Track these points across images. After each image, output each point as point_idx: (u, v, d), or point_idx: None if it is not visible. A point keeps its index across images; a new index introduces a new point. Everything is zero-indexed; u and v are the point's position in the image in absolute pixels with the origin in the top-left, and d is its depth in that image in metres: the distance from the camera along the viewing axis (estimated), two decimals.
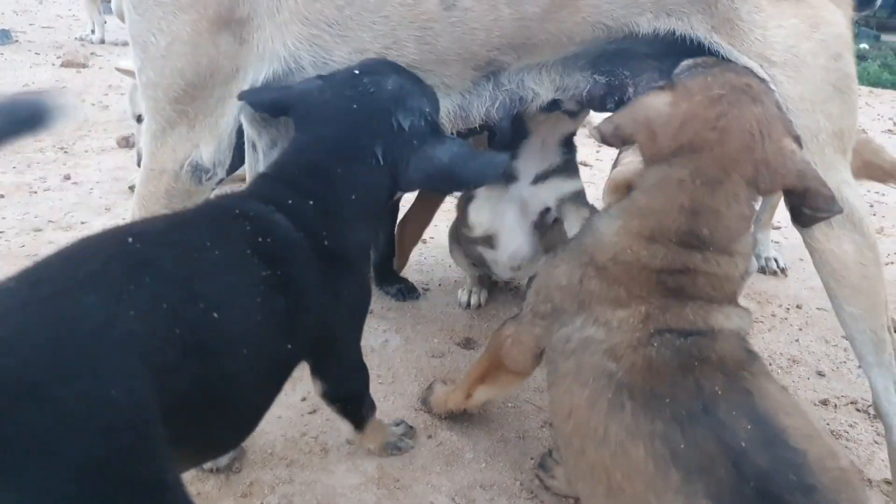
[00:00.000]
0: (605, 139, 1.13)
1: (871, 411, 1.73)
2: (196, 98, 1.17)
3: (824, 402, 1.77)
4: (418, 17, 1.17)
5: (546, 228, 1.81)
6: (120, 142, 3.45)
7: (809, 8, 1.20)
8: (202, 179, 1.22)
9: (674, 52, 1.27)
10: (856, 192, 1.22)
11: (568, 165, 1.75)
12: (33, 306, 0.70)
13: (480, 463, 1.47)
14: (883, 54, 8.12)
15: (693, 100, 1.06)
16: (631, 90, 1.32)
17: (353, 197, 1.09)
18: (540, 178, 1.73)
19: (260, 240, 0.95)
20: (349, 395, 1.30)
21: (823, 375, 1.89)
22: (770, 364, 1.93)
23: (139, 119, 2.68)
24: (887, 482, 1.48)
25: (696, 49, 1.24)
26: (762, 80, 1.15)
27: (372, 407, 1.36)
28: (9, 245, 2.36)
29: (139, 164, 2.64)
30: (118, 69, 2.67)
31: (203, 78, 1.16)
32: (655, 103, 1.08)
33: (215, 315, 0.82)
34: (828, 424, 1.68)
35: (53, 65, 4.90)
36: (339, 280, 1.08)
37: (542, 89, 1.33)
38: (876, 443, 1.63)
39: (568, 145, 1.76)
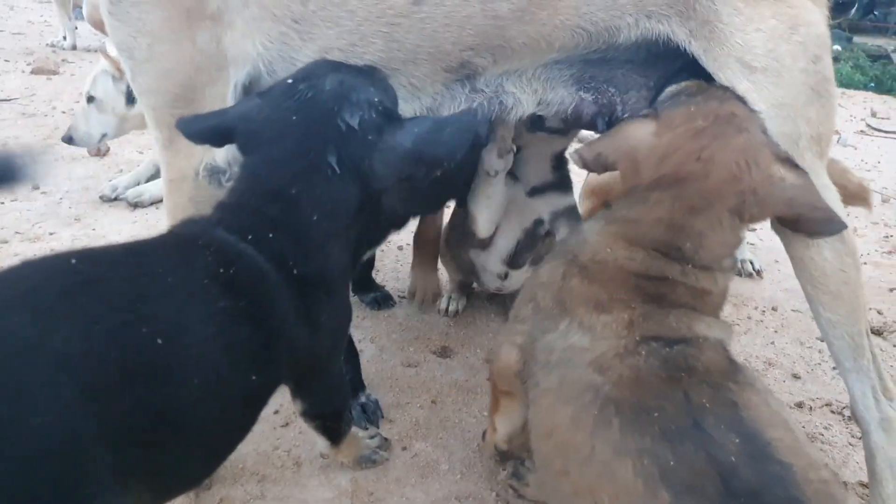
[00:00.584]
0: (587, 165, 1.12)
1: (847, 413, 1.74)
2: (191, 100, 1.16)
3: (799, 405, 1.78)
4: (385, 13, 1.14)
5: (536, 238, 1.81)
6: (91, 150, 3.38)
7: (788, 7, 1.18)
8: (221, 181, 1.20)
9: (657, 62, 1.26)
10: (834, 198, 1.20)
11: (562, 181, 1.77)
12: None
13: (456, 475, 1.45)
14: (855, 56, 8.27)
15: (676, 131, 1.04)
16: (619, 108, 1.31)
17: (316, 217, 1.01)
18: (536, 192, 1.75)
19: (221, 269, 0.91)
20: (329, 413, 1.27)
21: (799, 378, 1.90)
22: None
23: (89, 99, 2.65)
24: (862, 484, 1.49)
25: (678, 58, 1.23)
26: (746, 106, 1.13)
27: (349, 422, 1.33)
28: None
29: (67, 141, 2.60)
30: (104, 55, 2.62)
31: (189, 77, 1.14)
32: (639, 133, 1.07)
33: (159, 342, 0.78)
34: (803, 427, 1.69)
35: (23, 72, 4.79)
36: (316, 306, 1.03)
37: (523, 96, 1.29)
38: (851, 445, 1.64)
39: (560, 161, 1.77)
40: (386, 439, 1.50)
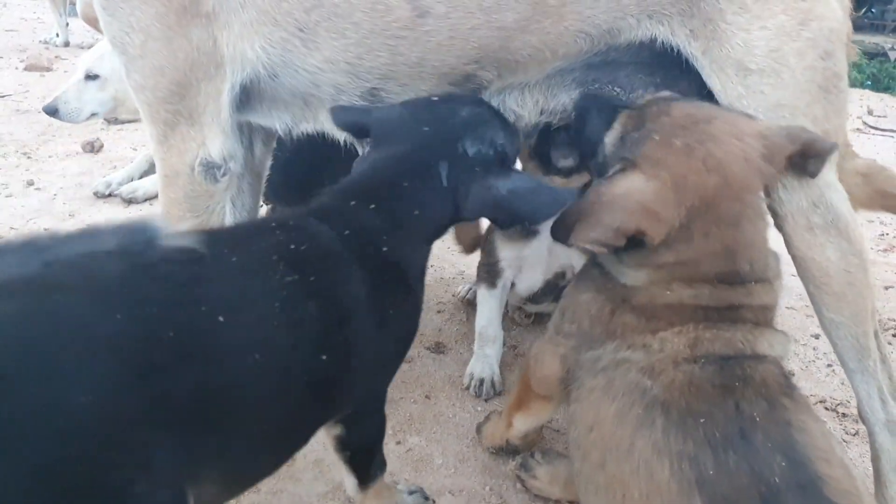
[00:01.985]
0: (606, 244, 1.01)
1: (841, 410, 1.74)
2: (184, 96, 1.15)
3: None
4: (390, 25, 1.13)
5: (559, 287, 1.75)
6: (85, 146, 3.37)
7: (803, 0, 1.14)
8: (217, 177, 1.19)
9: (662, 61, 1.24)
10: (841, 196, 1.18)
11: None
12: (16, 298, 0.68)
13: (450, 469, 1.45)
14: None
15: (668, 163, 0.99)
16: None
17: (417, 213, 1.06)
18: None
19: (293, 247, 0.91)
20: (364, 446, 1.17)
21: (793, 375, 1.90)
22: None
23: (89, 76, 2.61)
24: None
25: (677, 61, 1.21)
26: (681, 98, 1.12)
27: (382, 465, 1.23)
28: None
29: (51, 112, 2.54)
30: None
31: (184, 74, 1.13)
32: (634, 188, 0.99)
33: (221, 319, 0.78)
34: None
35: (17, 68, 4.78)
36: (389, 299, 1.01)
37: (525, 111, 1.29)
38: (845, 441, 1.64)
39: None
40: (427, 499, 1.34)
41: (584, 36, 1.19)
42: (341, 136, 1.28)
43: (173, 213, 1.22)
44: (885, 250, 2.78)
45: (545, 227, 1.58)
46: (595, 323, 1.07)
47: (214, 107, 1.17)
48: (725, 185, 0.98)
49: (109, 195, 2.84)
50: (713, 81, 1.17)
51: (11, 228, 2.52)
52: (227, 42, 1.13)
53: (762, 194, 1.03)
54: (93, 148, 3.36)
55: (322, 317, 0.90)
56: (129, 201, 2.81)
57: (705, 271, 0.99)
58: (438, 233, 1.14)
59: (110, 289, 0.73)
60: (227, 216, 1.35)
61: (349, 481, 1.21)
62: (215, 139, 1.18)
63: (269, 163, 1.56)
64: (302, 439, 0.98)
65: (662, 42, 1.19)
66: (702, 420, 0.88)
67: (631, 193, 0.98)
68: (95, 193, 2.83)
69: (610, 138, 1.11)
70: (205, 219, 1.24)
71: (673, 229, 0.98)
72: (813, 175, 1.12)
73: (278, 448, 0.95)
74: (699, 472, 0.84)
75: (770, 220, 1.18)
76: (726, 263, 0.99)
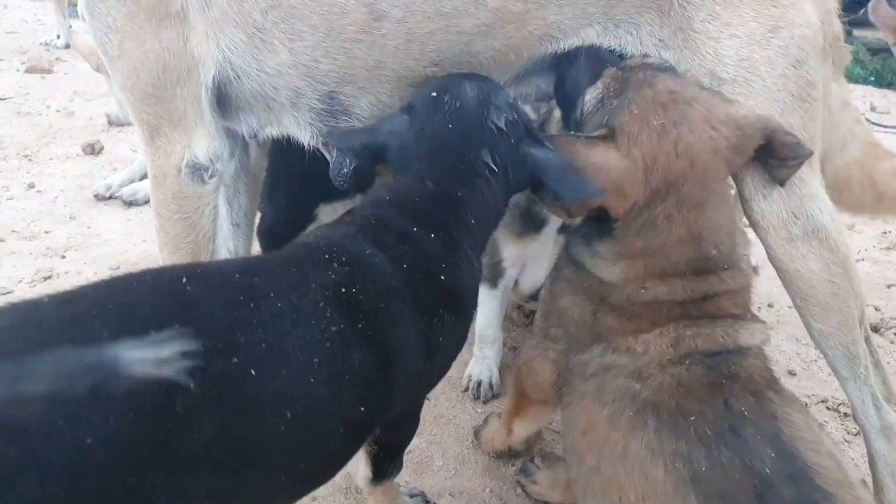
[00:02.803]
0: (572, 212, 1.06)
1: (843, 410, 1.74)
2: (161, 98, 1.13)
3: None
4: (347, 28, 1.11)
5: None
6: (85, 148, 3.37)
7: (775, 6, 1.13)
8: (204, 178, 1.18)
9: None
10: (823, 206, 1.16)
11: None
12: (43, 328, 0.68)
13: (450, 471, 1.45)
14: (856, 49, 8.23)
15: (641, 141, 1.00)
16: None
17: (474, 220, 1.01)
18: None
19: (343, 287, 0.86)
20: (392, 444, 1.16)
21: (794, 374, 1.90)
22: None
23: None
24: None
25: None
26: (668, 69, 1.10)
27: (399, 467, 1.22)
28: None
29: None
30: None
31: (157, 76, 1.12)
32: (609, 164, 1.01)
33: (252, 372, 0.74)
34: None
35: (17, 70, 4.77)
36: (440, 326, 0.96)
37: None
38: (846, 441, 1.64)
39: None
40: (428, 501, 1.38)
41: (551, 39, 1.18)
42: (304, 139, 1.25)
43: (163, 214, 1.22)
44: (888, 248, 2.76)
45: (551, 222, 1.59)
46: (581, 327, 1.08)
47: (195, 109, 1.16)
48: (691, 170, 1.00)
49: (110, 197, 2.84)
50: None
51: (13, 231, 2.52)
52: (196, 42, 1.12)
53: (728, 181, 1.04)
54: (93, 150, 3.36)
55: (369, 362, 0.85)
56: (130, 203, 2.80)
57: (675, 261, 1.00)
58: (493, 231, 1.10)
59: (139, 326, 0.70)
60: (224, 218, 1.34)
61: (362, 472, 1.20)
62: (201, 141, 1.17)
63: (265, 164, 1.55)
64: (335, 468, 0.94)
65: (637, 46, 1.17)
66: (692, 419, 0.89)
67: (604, 169, 1.01)
68: (96, 196, 2.83)
69: (591, 95, 1.11)
70: (194, 220, 1.23)
71: (636, 207, 1.01)
72: (781, 183, 1.12)
73: (306, 481, 0.91)
74: (693, 470, 0.85)
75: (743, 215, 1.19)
76: (693, 249, 1.00)
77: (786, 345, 2.05)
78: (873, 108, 5.37)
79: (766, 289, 2.39)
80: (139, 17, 1.08)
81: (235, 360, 0.74)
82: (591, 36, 1.17)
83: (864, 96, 5.95)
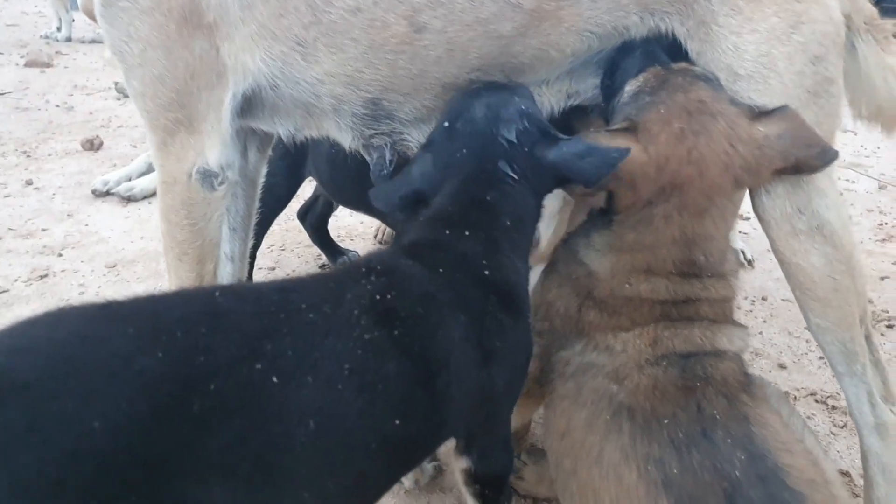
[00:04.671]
0: (586, 193, 1.10)
1: (830, 403, 1.75)
2: (185, 105, 1.15)
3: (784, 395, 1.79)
4: (388, 41, 1.13)
5: None
6: (85, 144, 3.39)
7: (796, 2, 1.12)
8: (213, 185, 1.20)
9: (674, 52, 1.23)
10: (830, 203, 1.15)
11: None
12: (69, 323, 0.71)
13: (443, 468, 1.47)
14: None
15: (659, 141, 1.03)
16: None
17: (509, 222, 1.05)
18: None
19: (378, 298, 0.87)
20: (493, 477, 1.09)
21: (785, 368, 1.91)
22: None
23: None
24: (842, 472, 1.50)
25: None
26: (708, 80, 1.12)
27: (509, 497, 1.16)
28: None
29: None
30: None
31: (184, 83, 1.13)
32: (629, 155, 1.04)
33: (274, 380, 0.75)
34: None
35: (17, 64, 4.79)
36: (493, 329, 0.95)
37: (547, 101, 1.28)
38: (832, 434, 1.65)
39: None
40: None
41: (590, 35, 1.18)
42: (346, 142, 1.28)
43: (171, 220, 1.23)
44: (883, 240, 2.76)
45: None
46: (565, 321, 1.09)
47: (215, 116, 1.18)
48: (699, 179, 1.02)
49: (107, 193, 2.86)
50: None
51: (10, 229, 2.54)
52: (229, 53, 1.14)
53: (732, 203, 1.06)
54: (92, 146, 3.38)
55: (406, 372, 0.84)
56: (128, 199, 2.82)
57: (662, 259, 1.03)
58: (531, 235, 1.13)
59: (164, 328, 0.73)
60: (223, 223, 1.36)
61: None
62: (214, 148, 1.19)
63: (263, 169, 1.56)
64: (391, 480, 0.93)
65: (672, 34, 1.17)
66: (665, 422, 0.90)
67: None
68: (93, 192, 2.85)
69: (630, 87, 1.14)
70: (202, 226, 1.25)
71: (640, 201, 1.04)
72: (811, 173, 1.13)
73: (358, 494, 0.89)
74: (665, 474, 0.86)
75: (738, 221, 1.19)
76: (682, 252, 1.02)
77: (778, 338, 2.06)
78: None
79: (760, 282, 2.40)
80: (169, 27, 1.10)
81: (259, 366, 0.74)
82: (629, 27, 1.18)
83: None
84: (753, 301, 2.28)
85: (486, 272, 0.97)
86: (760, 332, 2.09)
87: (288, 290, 0.86)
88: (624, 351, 1.01)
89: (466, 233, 1.00)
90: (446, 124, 1.13)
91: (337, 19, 1.11)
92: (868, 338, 1.22)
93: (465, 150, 1.09)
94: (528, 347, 1.04)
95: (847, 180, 3.40)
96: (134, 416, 0.66)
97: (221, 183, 1.22)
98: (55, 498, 0.62)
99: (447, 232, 1.01)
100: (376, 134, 1.24)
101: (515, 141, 1.09)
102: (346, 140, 1.26)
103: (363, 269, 0.92)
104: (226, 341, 0.74)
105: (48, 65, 4.80)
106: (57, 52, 5.20)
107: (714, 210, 1.03)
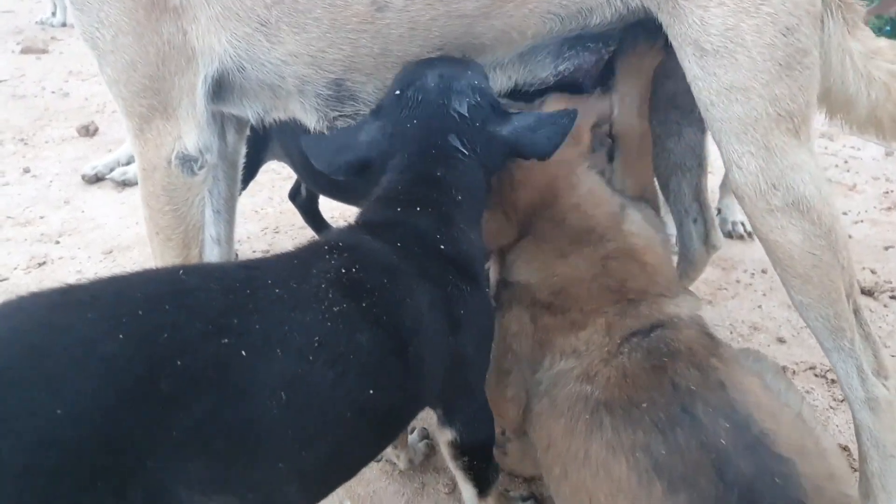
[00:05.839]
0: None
1: (829, 376, 1.73)
2: (158, 90, 1.15)
3: (783, 369, 1.77)
4: (350, 20, 1.12)
5: None
6: (80, 130, 3.38)
7: None
8: (193, 169, 1.20)
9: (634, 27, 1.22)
10: (807, 177, 1.12)
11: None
12: (31, 311, 0.71)
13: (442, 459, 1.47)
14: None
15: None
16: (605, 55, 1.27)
17: (460, 196, 1.06)
18: None
19: (343, 270, 0.87)
20: (478, 445, 1.10)
21: (784, 342, 1.89)
22: (731, 333, 1.92)
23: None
24: (842, 447, 1.49)
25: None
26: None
27: (497, 470, 1.18)
28: None
29: None
30: None
31: (156, 68, 1.13)
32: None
33: (242, 353, 0.75)
34: None
35: (13, 52, 4.76)
36: (457, 298, 0.97)
37: (497, 85, 1.27)
38: (831, 408, 1.64)
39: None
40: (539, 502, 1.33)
41: (553, 17, 1.16)
42: (311, 123, 1.27)
43: (153, 206, 1.23)
44: (889, 208, 2.71)
45: None
46: (524, 341, 1.10)
47: (189, 100, 1.17)
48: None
49: (97, 179, 2.85)
50: (679, 58, 1.13)
51: (8, 217, 2.55)
52: (196, 35, 1.13)
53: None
54: (88, 132, 3.37)
55: (383, 341, 0.85)
56: (123, 184, 2.82)
57: (558, 239, 1.12)
58: (482, 207, 1.14)
59: (126, 310, 0.72)
60: (205, 205, 1.35)
61: (468, 491, 1.16)
62: (191, 132, 1.18)
63: (243, 150, 1.55)
64: (371, 452, 0.94)
65: (638, 6, 1.14)
66: (644, 406, 0.90)
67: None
68: (84, 178, 2.84)
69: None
70: (184, 211, 1.24)
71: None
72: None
73: (321, 476, 0.88)
74: (653, 459, 0.86)
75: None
76: (562, 221, 1.13)
77: (777, 312, 2.03)
78: None
79: (759, 255, 2.37)
80: (137, 12, 1.09)
81: (226, 341, 0.74)
82: (593, 8, 1.15)
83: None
84: (753, 274, 2.25)
85: (442, 246, 0.98)
86: (759, 306, 2.07)
87: (252, 268, 0.87)
88: (588, 350, 1.01)
89: (418, 209, 1.01)
90: (397, 92, 1.12)
91: None
92: (857, 311, 1.19)
93: (415, 121, 1.09)
94: (489, 312, 1.08)
95: (853, 147, 3.34)
96: (99, 400, 0.66)
97: (201, 167, 1.21)
98: (26, 485, 0.62)
99: (399, 210, 1.01)
100: (340, 116, 1.24)
101: (467, 115, 1.08)
102: (312, 121, 1.25)
103: (325, 247, 0.93)
104: (190, 318, 0.74)
105: (44, 51, 4.77)
106: (52, 38, 5.16)
107: (563, 184, 1.15)
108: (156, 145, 1.18)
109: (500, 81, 1.27)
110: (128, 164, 2.90)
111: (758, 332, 1.93)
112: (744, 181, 1.12)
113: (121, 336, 0.69)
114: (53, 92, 3.97)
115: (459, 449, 1.08)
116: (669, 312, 1.01)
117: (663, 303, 1.03)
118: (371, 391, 0.83)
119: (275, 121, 1.30)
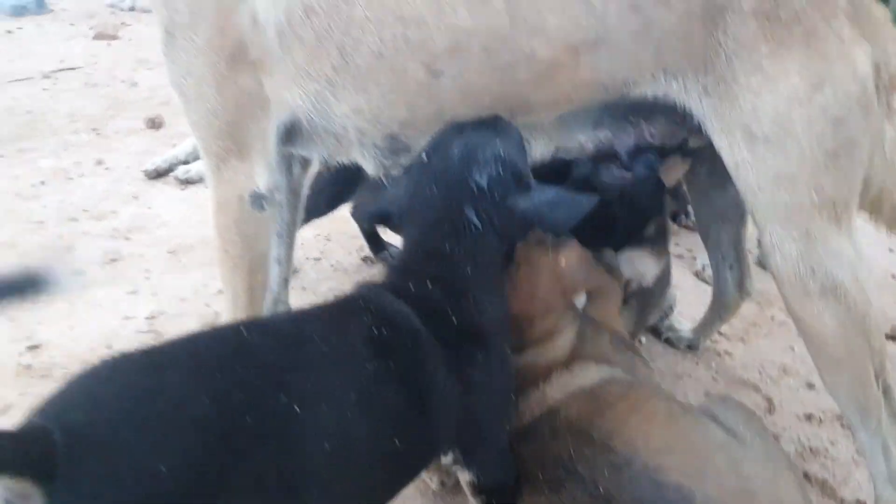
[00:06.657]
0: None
1: None
2: (234, 134, 1.27)
3: (808, 417, 1.80)
4: (408, 84, 1.21)
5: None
6: (147, 123, 3.55)
7: (821, 61, 1.10)
8: (263, 206, 1.32)
9: (664, 115, 1.28)
10: (845, 263, 1.15)
11: (656, 241, 1.67)
12: (126, 375, 0.82)
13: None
14: None
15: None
16: (647, 133, 1.32)
17: (470, 269, 1.10)
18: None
19: (375, 330, 0.98)
20: (496, 486, 1.21)
21: (813, 388, 1.92)
22: (760, 374, 1.96)
23: None
24: (860, 502, 1.53)
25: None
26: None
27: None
28: (47, 235, 2.51)
29: None
30: None
31: (233, 115, 1.25)
32: None
33: (297, 409, 0.86)
34: (808, 440, 1.72)
35: (86, 37, 4.99)
36: (469, 363, 1.06)
37: (537, 145, 1.34)
38: (854, 462, 1.66)
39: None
40: None
41: (600, 87, 1.21)
42: (370, 169, 1.39)
43: (225, 237, 1.36)
44: None
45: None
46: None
47: (262, 144, 1.29)
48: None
49: (158, 175, 3.00)
50: (721, 141, 1.16)
51: (84, 210, 2.72)
52: (272, 88, 1.24)
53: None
54: (154, 124, 3.54)
55: (406, 398, 0.97)
56: (186, 181, 2.97)
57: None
58: (501, 274, 1.20)
59: (204, 371, 0.84)
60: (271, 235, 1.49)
61: None
62: (262, 173, 1.30)
63: (306, 182, 1.68)
64: (394, 489, 1.05)
65: (673, 101, 1.19)
66: (539, 476, 1.12)
67: None
68: (146, 173, 3.00)
69: None
70: (252, 242, 1.38)
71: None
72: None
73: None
74: None
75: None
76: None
77: (808, 356, 2.05)
78: None
79: None
80: (220, 65, 1.21)
81: (284, 398, 0.85)
82: (638, 82, 1.20)
83: None
84: (787, 315, 2.26)
85: (455, 318, 1.06)
86: (792, 347, 2.09)
87: (301, 321, 1.00)
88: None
89: (429, 285, 1.08)
90: (425, 156, 1.18)
91: (362, 64, 1.20)
92: (886, 391, 1.23)
93: (434, 188, 1.14)
94: (505, 373, 1.15)
95: None
96: (190, 455, 0.78)
97: (270, 204, 1.33)
98: None
99: (411, 284, 1.09)
100: (394, 164, 1.35)
101: (486, 187, 1.11)
102: (370, 168, 1.37)
103: (359, 303, 1.04)
104: (256, 376, 0.86)
105: (114, 37, 4.99)
106: (122, 24, 5.39)
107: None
108: (231, 183, 1.30)
109: (540, 145, 1.34)
110: (186, 161, 3.05)
111: (787, 376, 1.96)
112: (783, 265, 1.17)
113: (205, 398, 0.81)
114: (123, 81, 4.16)
115: (478, 488, 1.20)
116: (549, 401, 1.20)
117: (550, 388, 1.21)
118: (396, 441, 0.96)
119: (339, 163, 1.43)
